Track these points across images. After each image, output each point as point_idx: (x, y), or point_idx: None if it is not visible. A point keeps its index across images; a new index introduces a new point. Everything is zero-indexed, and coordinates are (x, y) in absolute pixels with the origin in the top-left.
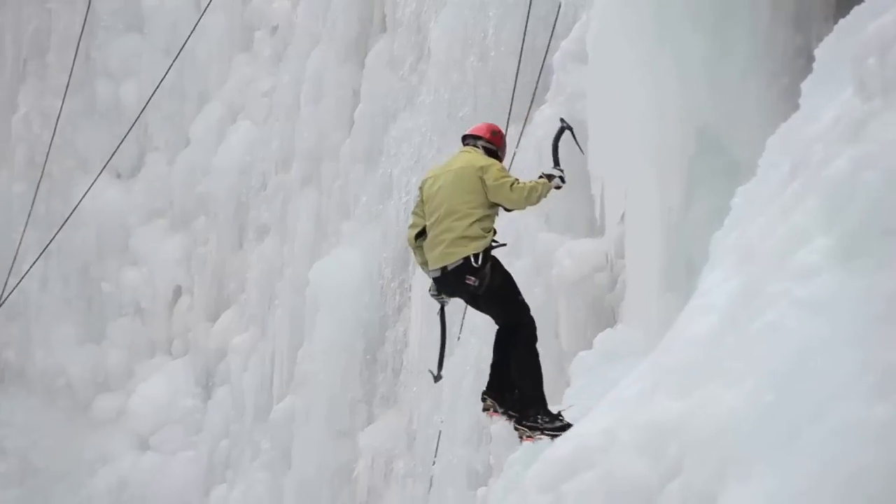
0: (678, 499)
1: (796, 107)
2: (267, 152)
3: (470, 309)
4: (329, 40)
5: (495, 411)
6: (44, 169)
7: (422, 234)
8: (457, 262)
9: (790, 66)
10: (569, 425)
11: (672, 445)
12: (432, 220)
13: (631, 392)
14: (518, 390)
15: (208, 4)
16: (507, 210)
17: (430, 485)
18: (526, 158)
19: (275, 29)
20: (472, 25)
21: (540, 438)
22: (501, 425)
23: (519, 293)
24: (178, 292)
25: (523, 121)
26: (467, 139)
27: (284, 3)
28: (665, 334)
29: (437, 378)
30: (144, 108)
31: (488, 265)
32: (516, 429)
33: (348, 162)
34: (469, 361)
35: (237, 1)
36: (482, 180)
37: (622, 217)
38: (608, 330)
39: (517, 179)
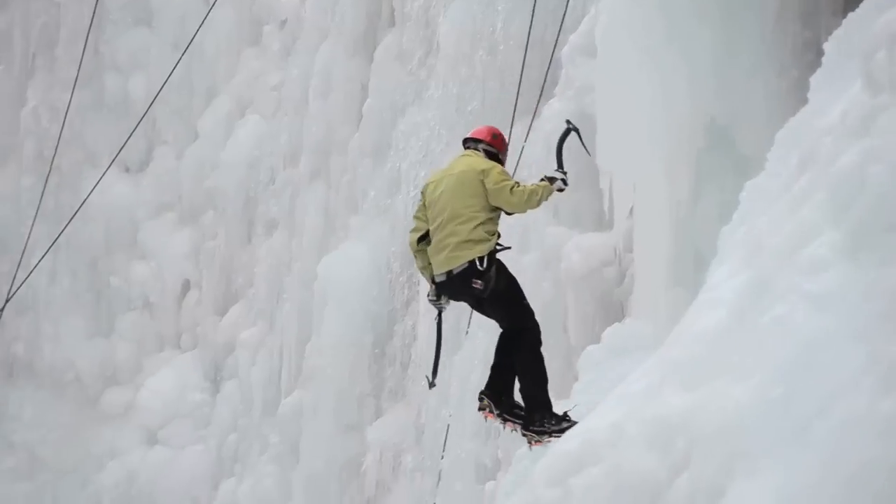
0: (686, 493)
1: (805, 101)
2: (275, 146)
3: None
4: (337, 34)
5: (490, 412)
6: (52, 163)
7: (423, 239)
8: (462, 265)
9: (799, 61)
10: (575, 424)
11: (680, 440)
12: (436, 224)
13: (639, 386)
14: (522, 394)
15: None
16: (508, 213)
17: (439, 479)
18: (534, 153)
19: (283, 23)
20: (481, 20)
21: (549, 441)
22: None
23: (524, 297)
24: (186, 286)
25: (531, 115)
26: (468, 142)
27: None
28: (673, 329)
29: (432, 385)
30: (153, 102)
31: (493, 268)
32: (524, 435)
33: (357, 156)
34: (477, 355)
35: None
36: (483, 184)
37: (630, 211)
38: (616, 324)
39: (517, 183)
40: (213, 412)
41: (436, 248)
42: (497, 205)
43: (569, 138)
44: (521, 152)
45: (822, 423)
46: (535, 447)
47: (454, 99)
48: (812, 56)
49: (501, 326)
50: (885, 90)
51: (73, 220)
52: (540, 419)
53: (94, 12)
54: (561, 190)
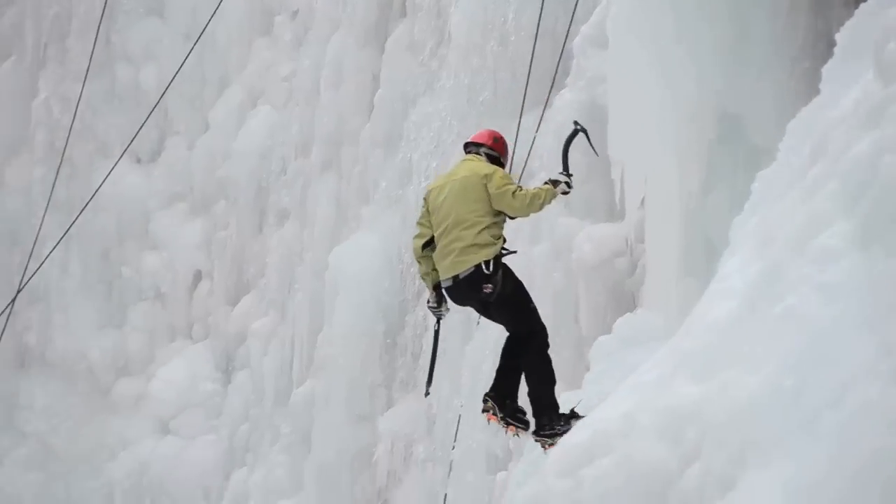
0: (697, 483)
1: (817, 91)
2: (287, 137)
3: None
4: (349, 25)
5: (494, 415)
6: (64, 153)
7: (428, 245)
8: (468, 270)
9: (811, 51)
10: (583, 417)
11: (691, 430)
12: (440, 230)
13: (650, 377)
14: (530, 397)
15: None
16: (511, 217)
17: (450, 469)
18: (546, 143)
19: (295, 13)
20: (493, 10)
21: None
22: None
23: (530, 300)
24: (198, 277)
25: (543, 105)
26: (469, 147)
27: None
28: (685, 319)
29: (427, 394)
30: (164, 92)
31: (500, 272)
32: (537, 440)
33: (368, 147)
34: (488, 345)
35: None
36: (486, 188)
37: (642, 202)
38: (628, 315)
39: (520, 187)
40: (225, 402)
41: (441, 253)
42: (500, 209)
43: (576, 139)
44: (533, 143)
45: (833, 414)
46: (550, 450)
47: (465, 89)
48: (824, 47)
49: (508, 330)
50: None
51: (84, 211)
52: (549, 422)
53: (105, 3)
54: (565, 193)
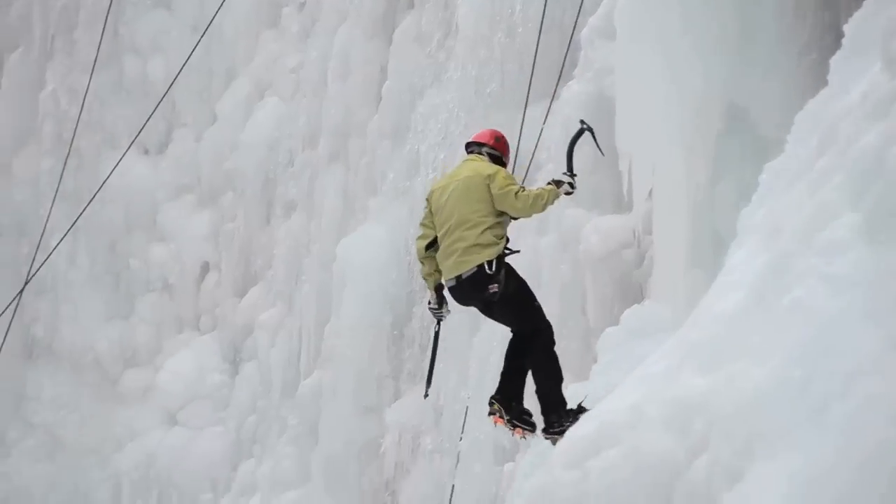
0: (704, 475)
1: (825, 83)
2: (294, 128)
3: None
4: (356, 16)
5: (500, 417)
6: (71, 145)
7: (431, 246)
8: (471, 270)
9: (819, 43)
10: (589, 410)
11: (699, 422)
12: (443, 230)
13: (658, 368)
14: (538, 394)
15: None
16: (514, 218)
17: (457, 460)
18: (553, 135)
19: (302, 5)
20: (500, 1)
21: None
22: (532, 398)
23: (534, 298)
24: (205, 268)
25: (550, 97)
26: (471, 146)
27: None
28: (692, 310)
29: (426, 395)
30: (172, 84)
31: (502, 272)
32: (546, 437)
33: (375, 138)
34: (496, 337)
35: None
36: (489, 188)
37: (650, 193)
38: (635, 306)
39: (522, 187)
40: (233, 394)
41: (444, 253)
42: (502, 209)
43: (581, 139)
44: (541, 134)
45: (839, 406)
46: (558, 441)
47: (473, 81)
48: (832, 38)
49: (513, 330)
50: None
51: (92, 202)
52: (557, 419)
53: None
54: (569, 193)
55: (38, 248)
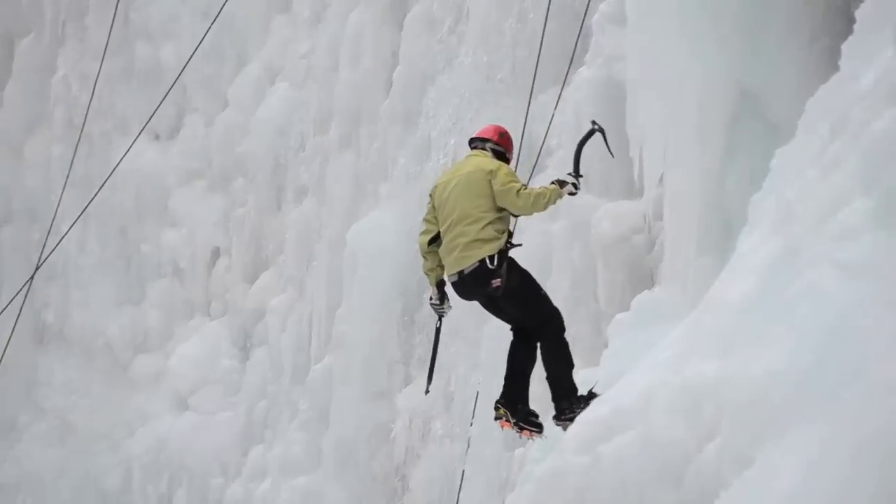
0: (715, 460)
1: (836, 68)
2: (305, 114)
3: None
4: (368, 2)
5: (507, 421)
6: (82, 130)
7: (434, 241)
8: (473, 265)
9: (830, 28)
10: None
11: (709, 407)
12: (445, 225)
13: (668, 354)
14: (549, 382)
15: None
16: (514, 215)
17: (468, 445)
18: (565, 121)
19: None
20: None
21: None
22: (542, 384)
23: (539, 288)
24: (216, 253)
25: (561, 83)
26: (475, 142)
27: None
28: (703, 296)
29: (427, 392)
30: (183, 69)
31: (504, 266)
32: (558, 424)
33: (386, 124)
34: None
35: None
36: (491, 184)
37: (661, 179)
38: (646, 292)
39: (524, 185)
40: (243, 379)
41: (446, 248)
42: (503, 206)
43: (590, 141)
44: (552, 120)
45: (852, 392)
46: (569, 427)
47: (484, 66)
48: (843, 23)
49: (513, 328)
50: None
51: (103, 188)
52: (569, 406)
53: None
54: (572, 194)
55: (48, 233)
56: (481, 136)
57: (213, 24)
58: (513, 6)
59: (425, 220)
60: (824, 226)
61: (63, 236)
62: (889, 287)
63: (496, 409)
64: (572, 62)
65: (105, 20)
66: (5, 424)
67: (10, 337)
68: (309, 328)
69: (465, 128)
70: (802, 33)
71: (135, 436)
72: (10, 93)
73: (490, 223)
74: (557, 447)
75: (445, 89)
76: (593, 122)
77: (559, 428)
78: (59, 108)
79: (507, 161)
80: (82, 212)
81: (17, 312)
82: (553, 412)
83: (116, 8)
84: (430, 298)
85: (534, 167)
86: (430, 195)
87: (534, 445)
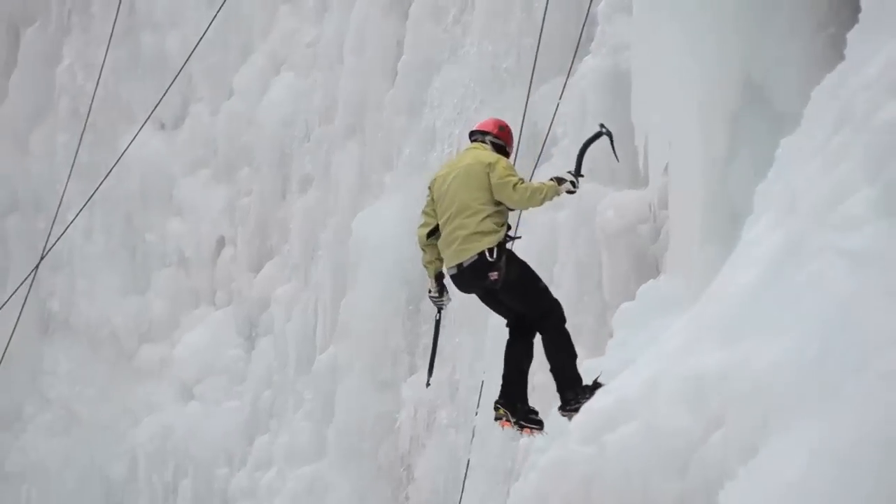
0: (720, 450)
1: (841, 58)
2: (310, 103)
3: None
4: None
5: (507, 421)
6: (87, 120)
7: (433, 233)
8: (472, 258)
9: (836, 17)
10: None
11: (714, 397)
12: (444, 218)
13: (674, 343)
14: (553, 373)
15: None
16: (510, 209)
17: (473, 435)
18: (570, 110)
19: None
20: None
21: None
22: (545, 374)
23: (539, 280)
24: (221, 243)
25: (566, 73)
26: (475, 135)
27: None
28: (708, 286)
29: (428, 384)
30: (188, 59)
31: (503, 259)
32: (563, 414)
33: (391, 113)
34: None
35: None
36: (489, 177)
37: (666, 168)
38: (651, 281)
39: (521, 179)
40: (248, 368)
41: (445, 241)
42: (499, 199)
43: (595, 143)
44: (557, 110)
45: (857, 381)
46: (574, 417)
47: (489, 56)
48: (849, 12)
49: (509, 324)
50: None
51: (108, 177)
52: (574, 396)
53: None
54: (570, 192)
55: (54, 222)
56: (481, 128)
57: (218, 12)
58: None
59: (424, 212)
60: (829, 216)
61: (68, 225)
62: (893, 277)
63: (496, 409)
64: (577, 51)
65: (110, 9)
66: (11, 414)
67: (16, 326)
68: (314, 317)
69: (470, 117)
70: (808, 23)
71: (140, 425)
72: (16, 82)
73: (489, 216)
74: (562, 437)
75: (450, 79)
76: (601, 126)
77: (564, 418)
78: (64, 97)
79: (507, 154)
80: (87, 201)
81: (23, 301)
82: (558, 403)
83: None
84: (430, 291)
85: (539, 156)
86: (429, 187)
87: (539, 435)
